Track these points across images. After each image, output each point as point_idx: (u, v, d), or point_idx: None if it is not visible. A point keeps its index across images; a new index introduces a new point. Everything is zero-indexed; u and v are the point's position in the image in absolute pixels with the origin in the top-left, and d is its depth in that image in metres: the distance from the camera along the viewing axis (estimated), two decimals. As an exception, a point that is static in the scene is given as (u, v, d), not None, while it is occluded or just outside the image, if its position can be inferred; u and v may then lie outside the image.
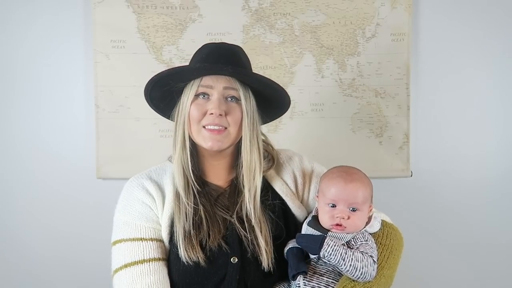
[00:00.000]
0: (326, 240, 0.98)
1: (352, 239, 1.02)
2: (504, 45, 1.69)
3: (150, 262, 1.02)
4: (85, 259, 1.68)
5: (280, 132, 1.64)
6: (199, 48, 1.12)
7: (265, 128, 1.61)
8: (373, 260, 0.99)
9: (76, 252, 1.68)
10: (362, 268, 0.97)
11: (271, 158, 1.15)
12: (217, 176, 1.13)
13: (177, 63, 1.62)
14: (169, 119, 1.14)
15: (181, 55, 1.63)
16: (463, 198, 1.71)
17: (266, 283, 1.04)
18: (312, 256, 1.03)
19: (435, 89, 1.69)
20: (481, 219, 1.72)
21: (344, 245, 1.00)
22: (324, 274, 1.01)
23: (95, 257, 1.67)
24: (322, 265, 1.02)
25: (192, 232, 1.02)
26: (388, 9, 1.65)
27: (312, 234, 1.02)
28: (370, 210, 1.06)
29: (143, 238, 1.04)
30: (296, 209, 1.12)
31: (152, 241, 1.04)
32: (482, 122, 1.71)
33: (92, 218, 1.67)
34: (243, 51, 1.12)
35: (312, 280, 1.00)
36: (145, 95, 1.12)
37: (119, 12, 1.62)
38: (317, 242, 0.98)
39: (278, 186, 1.12)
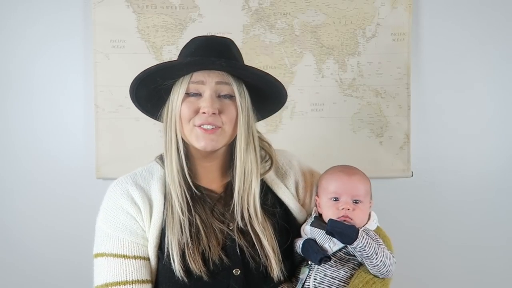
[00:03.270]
0: (360, 232, 0.96)
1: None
2: (504, 45, 1.68)
3: (133, 284, 0.95)
4: (84, 259, 1.66)
5: (280, 132, 1.64)
6: (187, 42, 1.05)
7: (264, 128, 1.62)
8: (394, 259, 0.99)
9: (76, 252, 1.67)
10: (390, 265, 0.97)
11: (270, 158, 1.08)
12: (210, 179, 1.05)
13: (177, 63, 1.62)
14: (157, 119, 1.07)
15: (181, 55, 1.63)
16: (463, 198, 1.71)
17: None
18: (328, 248, 1.01)
19: (436, 89, 1.69)
20: (482, 219, 1.71)
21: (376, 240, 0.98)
22: (341, 268, 1.00)
23: (95, 258, 1.67)
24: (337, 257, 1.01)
25: (190, 245, 0.94)
26: (388, 9, 1.64)
27: (344, 223, 0.98)
28: (371, 205, 1.07)
29: (126, 256, 0.97)
30: (298, 212, 1.09)
31: (135, 259, 0.97)
32: (482, 122, 1.70)
33: (92, 219, 1.63)
34: (234, 43, 1.06)
35: (326, 270, 0.99)
36: (130, 93, 1.03)
37: (119, 12, 1.61)
38: (353, 231, 0.95)
39: (281, 191, 1.07)
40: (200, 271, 0.92)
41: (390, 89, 1.66)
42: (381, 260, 0.96)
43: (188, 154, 1.02)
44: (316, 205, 1.09)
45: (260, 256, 0.96)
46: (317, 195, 1.09)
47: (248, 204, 1.00)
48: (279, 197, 1.07)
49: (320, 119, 1.65)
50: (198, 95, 0.98)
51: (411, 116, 1.66)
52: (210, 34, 1.09)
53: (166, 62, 0.99)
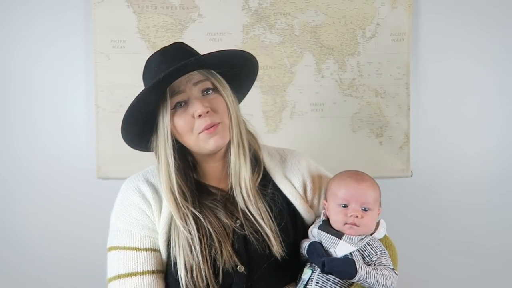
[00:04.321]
0: (357, 263, 0.96)
1: (369, 246, 1.00)
2: (504, 45, 1.69)
3: (144, 275, 0.98)
4: (85, 259, 1.68)
5: (280, 132, 1.64)
6: (145, 64, 1.06)
7: (265, 128, 1.63)
8: (395, 273, 0.99)
9: (76, 252, 1.68)
10: (391, 285, 0.97)
11: (253, 140, 1.09)
12: (219, 178, 1.08)
13: (177, 63, 1.62)
14: (151, 151, 1.07)
15: (181, 55, 1.63)
16: (463, 198, 1.71)
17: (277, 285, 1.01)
18: (333, 252, 1.01)
19: (436, 89, 1.69)
20: (481, 219, 1.72)
21: (372, 264, 0.98)
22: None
23: (95, 257, 1.66)
24: None
25: (201, 263, 0.95)
26: (388, 9, 1.65)
27: (340, 259, 0.98)
28: (379, 213, 1.06)
29: (138, 248, 1.00)
30: (305, 213, 1.08)
31: (147, 251, 1.00)
32: (482, 121, 1.71)
33: (92, 218, 1.67)
34: (186, 43, 1.06)
35: (329, 274, 0.99)
36: (123, 136, 1.05)
37: (119, 12, 1.62)
38: (351, 266, 0.95)
39: (288, 191, 1.08)
40: (208, 284, 0.95)
41: (389, 89, 1.66)
42: (383, 285, 0.96)
43: (194, 160, 1.06)
44: (325, 209, 1.08)
45: (261, 237, 0.99)
46: (325, 199, 1.09)
47: (240, 188, 1.02)
48: (286, 196, 1.08)
49: (320, 119, 1.66)
50: (184, 104, 0.99)
51: (411, 116, 1.66)
52: (161, 48, 1.07)
53: (139, 93, 0.97)
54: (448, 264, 1.72)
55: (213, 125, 0.98)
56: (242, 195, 1.02)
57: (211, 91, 1.00)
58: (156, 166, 1.08)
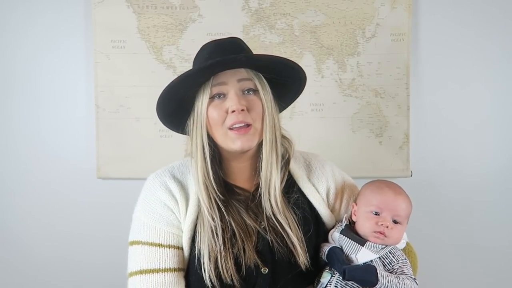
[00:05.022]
0: (378, 271, 0.95)
1: (391, 255, 1.00)
2: (503, 45, 1.69)
3: (166, 272, 0.98)
4: (85, 258, 1.68)
5: (280, 132, 1.64)
6: (199, 50, 1.06)
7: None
8: (416, 283, 0.98)
9: (76, 252, 1.68)
10: None
11: (286, 151, 1.09)
12: (244, 179, 1.07)
13: (177, 63, 1.62)
14: (182, 133, 1.08)
15: (181, 55, 1.63)
16: (463, 198, 1.71)
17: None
18: (354, 259, 1.00)
19: (435, 89, 1.69)
20: (481, 219, 1.72)
21: (393, 272, 0.98)
22: None
23: (95, 257, 1.67)
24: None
25: (223, 252, 0.95)
26: (388, 9, 1.65)
27: (361, 266, 0.97)
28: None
29: (161, 244, 1.00)
30: (327, 218, 1.08)
31: (170, 248, 1.00)
32: (482, 121, 1.71)
33: (92, 218, 1.67)
34: (242, 40, 1.08)
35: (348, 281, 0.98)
36: (157, 111, 1.04)
37: (119, 12, 1.62)
38: (373, 275, 0.94)
39: (312, 196, 1.07)
40: (232, 279, 0.94)
41: (389, 89, 1.66)
42: None
43: (221, 156, 1.05)
44: (352, 213, 1.07)
45: (286, 245, 0.98)
46: (355, 202, 1.08)
47: (269, 195, 1.01)
48: (310, 201, 1.08)
49: (320, 119, 1.66)
50: (223, 96, 0.99)
51: (411, 116, 1.66)
52: (218, 38, 1.09)
53: (185, 72, 0.98)
54: (448, 264, 1.72)
55: (246, 125, 0.97)
56: (270, 202, 1.01)
57: (252, 91, 1.00)
58: (181, 162, 1.09)
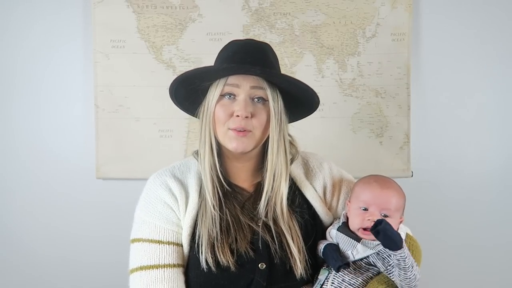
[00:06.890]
0: (404, 242, 0.94)
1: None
2: (504, 45, 1.68)
3: (165, 268, 1.00)
4: (84, 258, 1.68)
5: (280, 132, 1.64)
6: (225, 45, 1.09)
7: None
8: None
9: (76, 252, 1.68)
10: (418, 280, 0.97)
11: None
12: (242, 178, 1.10)
13: (177, 63, 1.62)
14: (195, 117, 1.11)
15: (181, 55, 1.63)
16: (463, 198, 1.71)
17: None
18: (350, 255, 1.01)
19: (436, 89, 1.69)
20: (481, 219, 1.71)
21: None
22: (359, 276, 1.00)
23: (95, 257, 1.67)
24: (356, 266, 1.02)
25: (219, 237, 0.99)
26: (388, 9, 1.64)
27: (393, 228, 0.95)
28: (401, 221, 1.06)
29: (161, 241, 1.02)
30: (324, 215, 1.10)
31: (169, 245, 1.02)
32: (482, 121, 1.70)
33: (92, 218, 1.67)
34: (271, 48, 1.09)
35: (344, 276, 0.99)
36: (170, 93, 1.08)
37: (119, 12, 1.62)
38: (400, 240, 0.92)
39: (310, 194, 1.10)
40: (228, 262, 0.97)
41: (390, 89, 1.66)
42: (414, 274, 0.95)
43: (221, 153, 1.07)
44: (348, 210, 1.08)
45: (286, 253, 1.00)
46: (349, 199, 1.09)
47: (275, 204, 1.04)
48: (307, 198, 1.10)
49: (320, 119, 1.65)
50: (233, 97, 1.02)
51: (411, 116, 1.66)
52: (248, 38, 1.14)
53: (203, 67, 1.03)
54: (448, 264, 1.71)
55: (244, 130, 1.00)
56: (274, 210, 1.03)
57: (261, 100, 1.02)
58: (181, 162, 1.12)
